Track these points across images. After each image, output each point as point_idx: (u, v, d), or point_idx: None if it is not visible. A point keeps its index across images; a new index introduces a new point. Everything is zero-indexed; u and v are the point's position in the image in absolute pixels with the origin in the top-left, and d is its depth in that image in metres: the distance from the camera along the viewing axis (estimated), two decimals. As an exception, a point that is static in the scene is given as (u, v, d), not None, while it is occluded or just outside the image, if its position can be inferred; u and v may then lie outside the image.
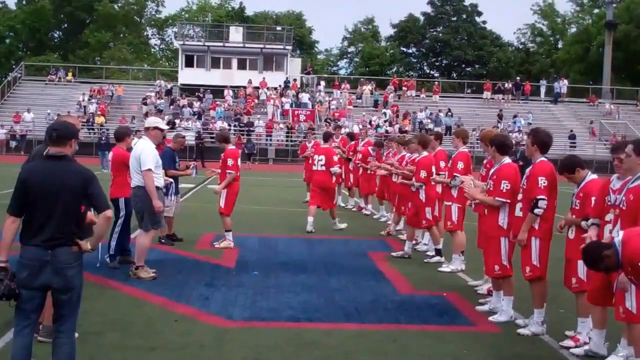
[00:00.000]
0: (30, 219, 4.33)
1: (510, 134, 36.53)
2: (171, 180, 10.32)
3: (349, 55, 73.26)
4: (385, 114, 42.34)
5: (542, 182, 6.23)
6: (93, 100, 42.09)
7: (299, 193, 18.35)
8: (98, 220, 4.52)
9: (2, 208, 4.69)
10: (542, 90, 48.27)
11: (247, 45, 46.54)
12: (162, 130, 8.88)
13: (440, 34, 67.47)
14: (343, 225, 12.88)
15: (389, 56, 67.30)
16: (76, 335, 4.59)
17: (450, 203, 9.28)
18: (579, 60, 59.41)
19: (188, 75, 46.25)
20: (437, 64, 70.49)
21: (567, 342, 6.03)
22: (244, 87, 44.06)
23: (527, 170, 6.47)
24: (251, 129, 39.13)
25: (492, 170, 7.18)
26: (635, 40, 54.34)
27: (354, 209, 16.21)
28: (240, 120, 40.34)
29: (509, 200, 6.73)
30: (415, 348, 5.95)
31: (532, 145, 6.48)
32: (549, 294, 6.58)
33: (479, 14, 68.10)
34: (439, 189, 9.84)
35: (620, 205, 5.25)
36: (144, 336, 6.02)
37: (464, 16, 67.79)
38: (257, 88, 44.07)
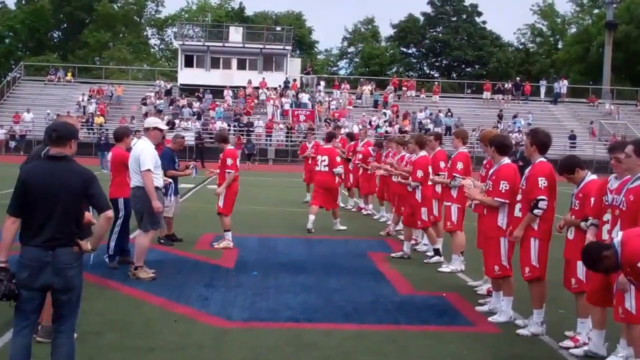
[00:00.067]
0: (30, 220, 4.33)
1: (510, 134, 36.55)
2: (170, 180, 10.31)
3: (348, 56, 73.30)
4: (385, 114, 42.35)
5: (542, 182, 6.23)
6: (92, 101, 42.08)
7: (299, 193, 18.35)
8: (99, 221, 4.52)
9: (1, 208, 4.69)
10: (542, 90, 48.28)
11: (246, 45, 46.54)
12: (161, 130, 8.88)
13: (440, 34, 67.46)
14: (343, 227, 12.89)
15: (389, 56, 67.30)
16: (75, 335, 4.58)
17: (449, 203, 9.27)
18: (579, 61, 59.41)
19: (188, 76, 46.24)
20: (437, 64, 70.49)
21: (567, 343, 6.03)
22: (244, 88, 44.06)
23: (527, 170, 6.47)
24: (251, 129, 39.12)
25: (491, 171, 7.18)
26: (635, 41, 54.35)
27: (353, 210, 16.21)
28: (240, 120, 40.34)
29: (508, 201, 6.73)
30: (414, 348, 5.95)
31: (531, 146, 6.48)
32: (548, 295, 6.58)
33: (479, 14, 68.13)
34: (438, 189, 9.84)
35: (620, 206, 5.25)
36: (143, 336, 6.02)
37: (464, 16, 67.78)
38: (256, 88, 44.08)
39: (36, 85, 46.31)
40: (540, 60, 66.55)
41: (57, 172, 4.36)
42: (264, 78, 44.67)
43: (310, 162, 16.67)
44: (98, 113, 40.14)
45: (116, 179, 8.87)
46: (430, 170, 9.79)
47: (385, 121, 41.20)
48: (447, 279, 8.82)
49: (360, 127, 32.55)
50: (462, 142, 9.37)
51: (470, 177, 8.39)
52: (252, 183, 21.41)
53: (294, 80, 46.14)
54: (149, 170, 8.11)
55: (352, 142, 16.44)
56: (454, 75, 68.20)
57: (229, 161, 10.43)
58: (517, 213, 6.49)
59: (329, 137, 13.53)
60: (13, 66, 56.02)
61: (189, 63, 46.81)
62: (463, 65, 68.75)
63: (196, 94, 44.24)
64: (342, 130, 21.45)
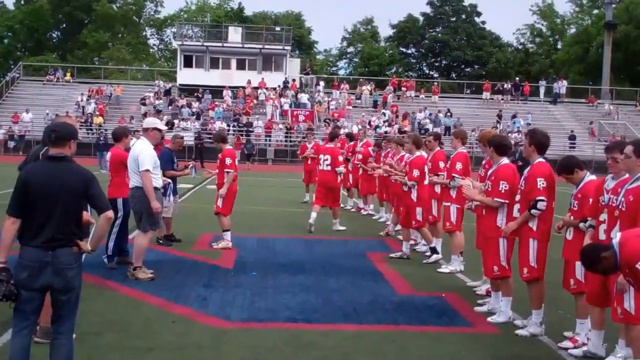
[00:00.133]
0: (30, 220, 4.33)
1: (510, 134, 36.57)
2: (169, 180, 10.31)
3: (348, 56, 73.30)
4: (384, 114, 42.35)
5: (541, 183, 6.24)
6: (91, 101, 42.05)
7: (298, 194, 18.35)
8: (99, 221, 4.53)
9: (0, 209, 4.68)
10: (542, 90, 48.30)
11: (246, 45, 46.53)
12: (160, 131, 8.88)
13: (440, 35, 67.48)
14: (342, 227, 12.89)
15: (388, 56, 67.30)
16: (74, 336, 4.58)
17: (448, 204, 9.27)
18: (578, 61, 59.42)
19: (187, 76, 46.22)
20: (436, 64, 70.50)
21: (566, 343, 6.03)
22: (243, 88, 44.05)
23: (526, 171, 6.47)
24: (250, 129, 39.11)
25: (490, 171, 7.17)
26: (635, 41, 54.37)
27: (352, 210, 16.21)
28: (239, 120, 40.33)
29: (507, 201, 6.73)
30: (413, 349, 5.95)
31: (529, 146, 6.48)
32: (547, 295, 6.57)
33: (478, 14, 68.14)
34: (437, 189, 9.83)
35: (620, 207, 5.25)
36: (142, 337, 6.02)
37: (463, 16, 67.79)
38: (256, 88, 44.09)
39: (35, 86, 46.27)
40: (540, 61, 66.54)
41: (57, 173, 4.37)
42: (263, 78, 44.67)
43: (309, 162, 16.70)
44: (97, 113, 40.11)
45: (115, 179, 8.87)
46: (426, 170, 9.80)
47: (384, 121, 41.21)
48: (446, 280, 8.82)
49: (360, 127, 32.54)
50: (461, 142, 9.38)
51: (469, 178, 8.39)
52: (252, 183, 21.42)
53: (293, 80, 46.12)
54: (147, 170, 8.11)
55: (352, 143, 16.45)
56: (454, 75, 68.19)
57: (228, 161, 10.44)
58: (516, 214, 6.49)
59: (332, 136, 13.57)
60: (12, 66, 55.98)
61: (188, 63, 46.80)
62: (462, 66, 68.76)
63: (195, 94, 44.21)
64: (342, 131, 21.45)
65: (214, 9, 71.29)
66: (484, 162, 8.24)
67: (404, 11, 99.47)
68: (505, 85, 48.15)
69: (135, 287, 7.84)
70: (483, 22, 68.39)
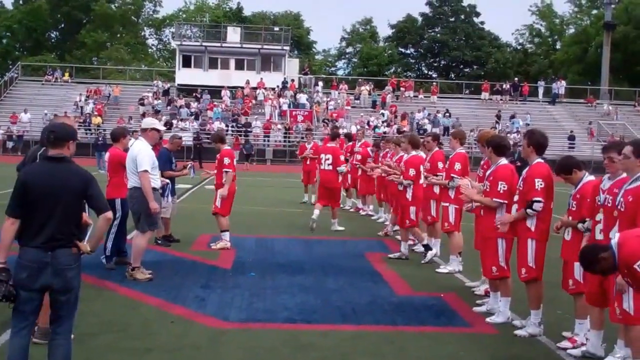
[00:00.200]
0: (30, 220, 4.33)
1: (508, 134, 36.59)
2: (168, 181, 10.31)
3: (347, 56, 73.25)
4: (383, 114, 42.33)
5: (539, 184, 6.24)
6: (90, 101, 41.99)
7: (297, 194, 18.34)
8: (98, 222, 4.53)
9: (0, 209, 4.67)
10: (540, 91, 48.32)
11: (244, 45, 46.50)
12: (158, 131, 8.87)
13: (439, 35, 67.45)
14: (341, 227, 12.89)
15: (387, 57, 67.28)
16: (72, 336, 4.58)
17: (447, 204, 9.27)
18: (577, 61, 59.43)
19: (185, 76, 46.17)
20: (435, 64, 70.48)
21: (565, 343, 6.04)
22: (242, 88, 44.02)
23: (524, 171, 6.47)
24: (249, 129, 39.09)
25: (488, 172, 7.17)
26: (634, 41, 54.39)
27: (351, 210, 16.21)
28: (237, 120, 40.29)
29: (506, 201, 6.73)
30: (412, 349, 5.95)
31: (528, 147, 6.48)
32: (546, 296, 6.57)
33: (477, 14, 68.11)
34: (436, 190, 9.83)
35: (619, 207, 5.24)
36: (140, 337, 6.01)
37: (462, 17, 67.78)
38: (254, 88, 44.05)
39: (33, 86, 46.21)
40: (539, 61, 66.56)
41: (57, 173, 4.37)
42: (261, 78, 44.63)
43: (308, 162, 16.70)
44: (95, 113, 40.08)
45: (113, 179, 8.86)
46: (422, 169, 9.80)
47: (383, 122, 41.20)
48: (444, 280, 8.82)
49: (358, 127, 32.55)
50: (459, 142, 9.38)
51: (467, 178, 8.39)
52: (250, 183, 21.42)
53: (292, 80, 46.09)
54: (146, 171, 8.11)
55: (350, 143, 16.46)
56: (452, 75, 68.19)
57: (226, 160, 10.42)
58: (514, 214, 6.49)
59: (333, 136, 13.59)
60: (10, 66, 55.90)
61: (186, 63, 46.75)
62: (461, 66, 68.74)
63: (194, 94, 44.18)
64: (340, 131, 21.41)
65: (213, 9, 71.24)
66: (482, 162, 8.24)
67: (403, 11, 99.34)
68: (504, 86, 48.11)
69: (134, 287, 7.83)
70: (482, 23, 68.41)
